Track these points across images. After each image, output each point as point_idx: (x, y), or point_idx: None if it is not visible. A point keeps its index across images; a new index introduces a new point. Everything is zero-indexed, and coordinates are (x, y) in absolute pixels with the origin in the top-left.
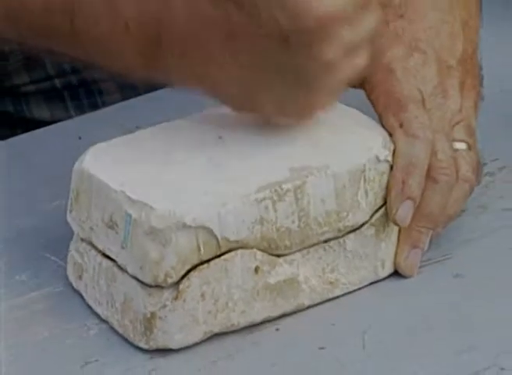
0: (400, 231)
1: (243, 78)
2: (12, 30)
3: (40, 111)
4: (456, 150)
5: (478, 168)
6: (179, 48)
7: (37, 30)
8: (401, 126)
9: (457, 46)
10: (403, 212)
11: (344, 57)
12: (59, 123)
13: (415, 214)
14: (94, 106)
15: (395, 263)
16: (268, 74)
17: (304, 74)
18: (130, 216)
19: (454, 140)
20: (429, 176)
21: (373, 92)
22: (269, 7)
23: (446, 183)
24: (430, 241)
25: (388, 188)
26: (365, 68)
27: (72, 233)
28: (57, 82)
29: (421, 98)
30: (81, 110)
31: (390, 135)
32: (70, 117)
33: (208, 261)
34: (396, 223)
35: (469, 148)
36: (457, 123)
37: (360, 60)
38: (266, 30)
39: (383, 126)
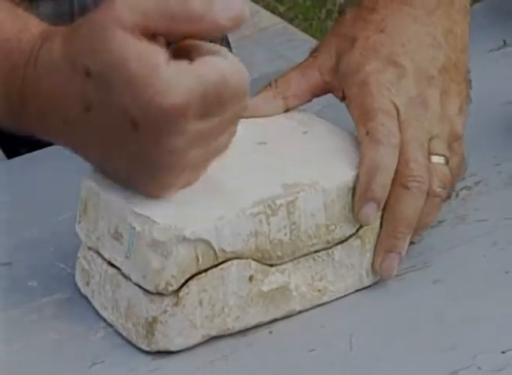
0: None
1: (96, 149)
2: None
3: None
4: (432, 163)
5: (452, 181)
6: (39, 108)
7: None
8: (367, 133)
9: (439, 56)
10: (366, 212)
11: (191, 148)
12: None
13: (390, 220)
14: None
15: (372, 268)
16: (116, 152)
17: (150, 160)
18: (134, 228)
19: (431, 153)
20: (400, 183)
21: (350, 106)
22: (121, 94)
23: (416, 188)
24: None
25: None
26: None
27: (80, 243)
28: None
29: (394, 108)
30: None
31: None
32: None
33: (205, 270)
34: (360, 222)
35: (446, 161)
36: (437, 136)
37: (212, 148)
38: (117, 113)
39: None
